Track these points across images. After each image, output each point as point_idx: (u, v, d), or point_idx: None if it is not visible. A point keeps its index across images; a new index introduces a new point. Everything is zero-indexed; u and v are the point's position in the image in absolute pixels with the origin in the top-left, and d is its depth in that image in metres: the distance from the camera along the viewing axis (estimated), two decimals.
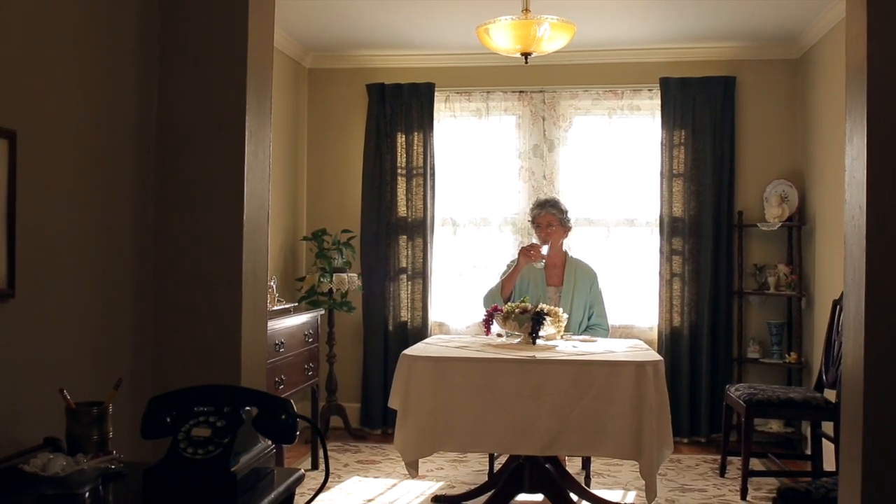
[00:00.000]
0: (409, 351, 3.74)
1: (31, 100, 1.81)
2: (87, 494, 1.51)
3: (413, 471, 3.67)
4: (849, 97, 1.98)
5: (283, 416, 1.54)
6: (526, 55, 4.08)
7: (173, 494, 1.47)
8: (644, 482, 3.46)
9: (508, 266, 4.56)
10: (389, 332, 5.79)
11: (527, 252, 4.31)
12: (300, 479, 1.62)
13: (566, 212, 4.50)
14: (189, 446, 1.48)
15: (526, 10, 4.05)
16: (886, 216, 1.84)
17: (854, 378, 1.99)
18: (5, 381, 1.71)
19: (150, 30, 2.24)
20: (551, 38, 4.03)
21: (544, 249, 4.30)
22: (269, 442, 1.63)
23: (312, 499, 1.56)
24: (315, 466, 4.75)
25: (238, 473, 1.47)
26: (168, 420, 1.56)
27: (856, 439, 1.99)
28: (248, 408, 1.57)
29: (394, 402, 3.65)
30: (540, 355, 3.57)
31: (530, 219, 4.59)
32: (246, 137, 2.17)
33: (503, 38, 4.04)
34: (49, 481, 1.48)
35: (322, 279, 5.41)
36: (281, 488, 1.54)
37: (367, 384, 5.78)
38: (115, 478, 1.59)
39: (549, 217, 4.42)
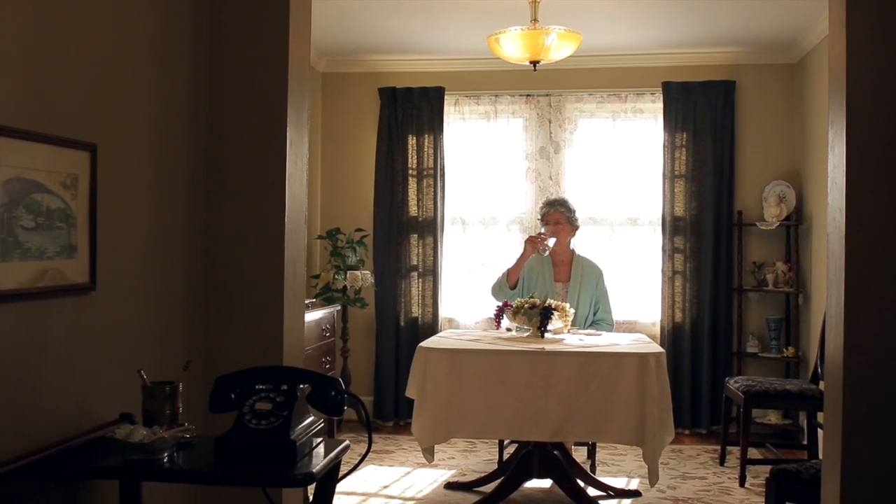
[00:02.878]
0: (424, 343, 3.94)
1: (108, 117, 2.05)
2: (165, 459, 1.74)
3: (429, 456, 3.87)
4: (831, 111, 2.19)
5: (333, 393, 1.77)
6: (535, 63, 4.29)
7: (241, 458, 1.70)
8: (647, 467, 3.67)
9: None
10: (401, 328, 5.98)
11: (533, 241, 4.52)
12: (346, 449, 1.85)
13: (574, 211, 4.70)
14: (253, 418, 1.71)
15: (534, 20, 4.25)
16: (863, 218, 2.05)
17: (835, 365, 2.21)
18: (86, 363, 1.95)
19: (200, 52, 2.47)
20: (559, 47, 4.23)
21: (550, 242, 4.49)
22: (318, 416, 1.85)
23: (357, 465, 1.79)
24: None
25: (296, 441, 1.70)
26: (232, 396, 1.78)
27: (836, 420, 2.20)
28: (302, 385, 1.80)
29: (410, 392, 3.85)
30: (548, 347, 3.78)
31: (539, 216, 4.78)
32: (287, 146, 2.40)
33: (513, 47, 4.25)
34: (134, 447, 1.71)
35: (336, 276, 5.60)
36: (332, 455, 1.76)
37: (380, 378, 5.97)
38: (186, 446, 1.83)
39: (557, 215, 4.61)
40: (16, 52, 1.73)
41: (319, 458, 1.73)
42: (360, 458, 1.88)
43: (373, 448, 5.38)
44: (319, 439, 1.84)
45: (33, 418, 1.78)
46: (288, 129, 2.39)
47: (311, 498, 1.89)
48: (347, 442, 1.88)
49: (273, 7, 2.40)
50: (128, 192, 2.11)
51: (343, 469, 1.98)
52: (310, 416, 1.83)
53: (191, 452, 1.81)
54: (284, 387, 1.75)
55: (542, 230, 4.68)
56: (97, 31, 2.00)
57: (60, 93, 1.86)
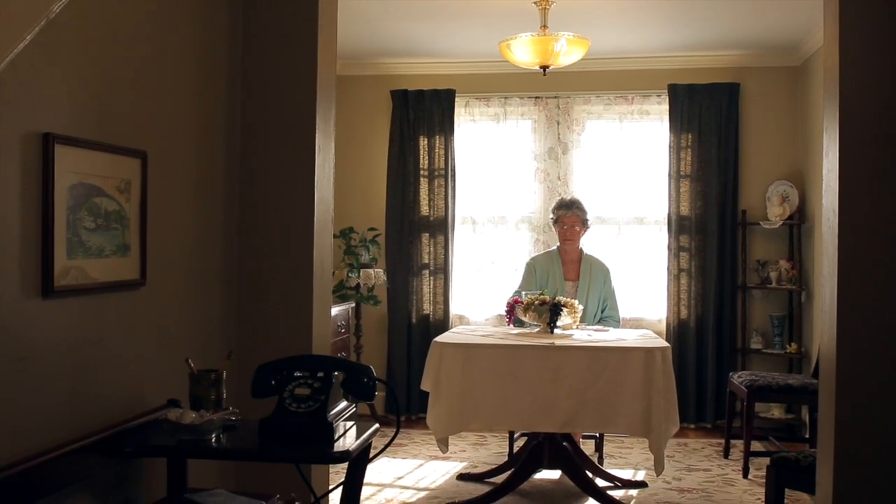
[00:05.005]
0: (439, 338, 4.08)
1: (156, 126, 2.23)
2: (213, 439, 1.91)
3: (443, 447, 3.99)
4: (826, 118, 2.34)
5: (365, 380, 1.92)
6: (544, 68, 4.43)
7: (282, 438, 1.86)
8: (653, 458, 3.81)
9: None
10: (413, 325, 6.12)
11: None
12: (376, 431, 2.01)
13: (587, 212, 4.83)
14: (293, 402, 1.88)
15: (544, 25, 4.39)
16: (855, 219, 2.20)
17: (828, 357, 2.35)
18: (137, 353, 2.12)
19: (235, 64, 2.65)
20: (568, 53, 4.37)
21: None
22: (350, 402, 2.01)
23: (388, 445, 1.94)
24: None
25: (333, 423, 1.86)
26: (273, 383, 1.95)
27: (830, 410, 2.34)
28: (336, 373, 1.96)
29: (426, 385, 3.99)
30: (558, 342, 3.92)
31: (554, 218, 4.83)
32: (316, 152, 2.56)
33: (524, 52, 4.39)
34: (186, 428, 1.88)
35: (350, 274, 5.74)
36: (364, 436, 1.93)
37: (392, 373, 6.11)
38: (230, 428, 1.99)
39: (574, 218, 4.72)
40: (80, 70, 1.90)
41: (353, 439, 1.89)
42: (377, 449, 2.03)
43: (385, 442, 5.54)
44: (352, 423, 2.00)
45: (93, 402, 1.95)
46: (317, 135, 2.55)
47: (331, 485, 2.04)
48: (377, 425, 2.04)
49: (302, 21, 2.57)
50: (173, 196, 2.28)
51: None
52: (343, 402, 1.99)
53: (235, 434, 1.97)
54: (320, 374, 1.91)
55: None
56: (147, 49, 2.19)
57: (115, 105, 2.04)
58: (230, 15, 2.61)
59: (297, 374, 1.93)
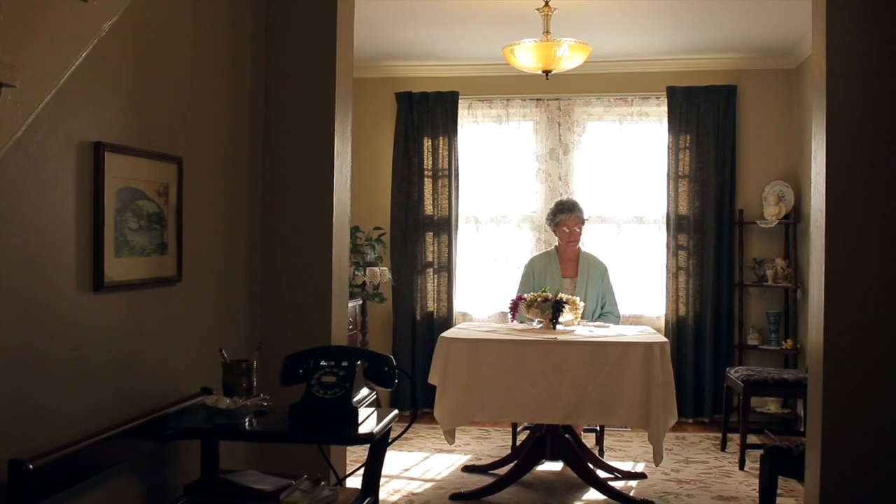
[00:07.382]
0: (446, 334, 4.22)
1: (191, 134, 2.38)
2: (246, 423, 2.06)
3: (450, 438, 4.13)
4: (814, 125, 2.48)
5: (386, 369, 2.08)
6: (547, 72, 4.56)
7: (310, 422, 2.01)
8: (652, 449, 3.95)
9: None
10: (417, 322, 6.24)
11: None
12: (395, 417, 2.16)
13: (584, 210, 4.96)
14: (320, 389, 2.03)
15: (546, 31, 4.53)
16: (840, 219, 2.35)
17: (816, 350, 2.50)
18: (174, 344, 2.27)
19: (258, 74, 2.80)
20: (570, 58, 4.50)
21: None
22: (372, 390, 2.16)
23: (408, 427, 2.09)
24: None
25: (357, 408, 2.01)
26: (300, 371, 2.10)
27: (817, 400, 2.49)
28: (359, 362, 2.11)
29: (433, 379, 4.13)
30: (560, 337, 4.06)
31: (555, 221, 4.92)
32: (334, 156, 2.71)
33: (527, 57, 4.52)
34: (222, 413, 2.03)
35: (356, 272, 5.87)
36: (385, 420, 2.08)
37: None
38: (260, 413, 2.14)
39: (576, 220, 4.85)
40: (125, 84, 2.06)
41: (375, 423, 2.04)
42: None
43: (392, 434, 5.67)
44: (373, 409, 2.15)
45: (136, 388, 2.11)
46: (335, 141, 2.70)
47: (339, 473, 2.14)
48: (396, 411, 2.19)
49: (321, 34, 2.72)
50: (205, 198, 2.44)
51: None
52: (365, 389, 2.14)
53: (266, 418, 2.13)
54: (345, 363, 2.07)
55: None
56: (181, 65, 2.35)
57: (155, 115, 2.20)
58: (254, 30, 2.76)
59: (323, 363, 2.08)
